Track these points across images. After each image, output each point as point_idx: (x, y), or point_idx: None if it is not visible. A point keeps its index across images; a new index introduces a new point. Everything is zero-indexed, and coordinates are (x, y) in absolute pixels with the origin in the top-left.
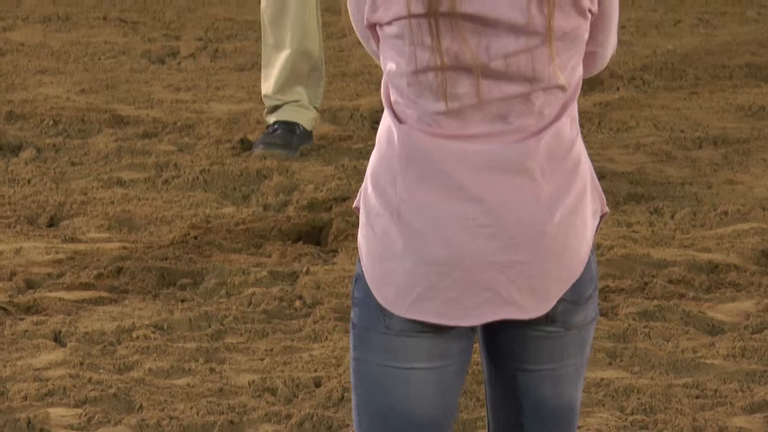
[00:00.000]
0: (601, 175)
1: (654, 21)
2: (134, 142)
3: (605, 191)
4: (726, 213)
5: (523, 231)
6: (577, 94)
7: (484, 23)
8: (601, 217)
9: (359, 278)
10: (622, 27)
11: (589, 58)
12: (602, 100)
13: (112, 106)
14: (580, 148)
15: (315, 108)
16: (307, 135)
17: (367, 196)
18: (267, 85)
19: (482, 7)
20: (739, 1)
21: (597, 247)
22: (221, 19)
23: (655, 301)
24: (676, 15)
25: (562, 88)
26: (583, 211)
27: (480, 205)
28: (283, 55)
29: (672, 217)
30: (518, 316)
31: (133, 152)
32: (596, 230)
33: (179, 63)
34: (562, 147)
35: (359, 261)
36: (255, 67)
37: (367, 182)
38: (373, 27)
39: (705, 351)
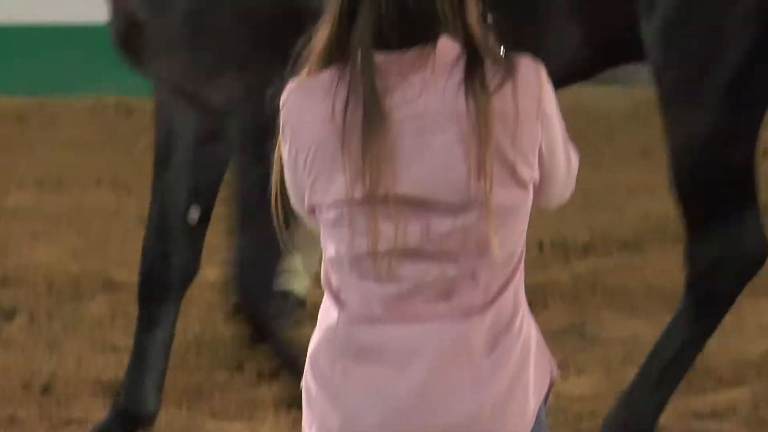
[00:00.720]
0: (596, 342)
1: (646, 184)
2: (127, 307)
3: (599, 357)
4: (720, 379)
5: (459, 414)
6: (522, 260)
7: (422, 204)
8: (550, 386)
9: None
10: (612, 191)
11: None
12: (596, 266)
13: (106, 270)
14: (523, 316)
15: (309, 274)
16: (301, 302)
17: (306, 380)
18: None
19: (420, 189)
20: None
21: (591, 414)
22: None
23: None
24: (667, 176)
25: (507, 261)
26: (524, 383)
27: (418, 389)
28: None
29: None
30: None
31: (126, 317)
32: (545, 400)
33: None
34: (504, 319)
35: None
36: None
37: (308, 366)
38: (313, 211)
39: None
